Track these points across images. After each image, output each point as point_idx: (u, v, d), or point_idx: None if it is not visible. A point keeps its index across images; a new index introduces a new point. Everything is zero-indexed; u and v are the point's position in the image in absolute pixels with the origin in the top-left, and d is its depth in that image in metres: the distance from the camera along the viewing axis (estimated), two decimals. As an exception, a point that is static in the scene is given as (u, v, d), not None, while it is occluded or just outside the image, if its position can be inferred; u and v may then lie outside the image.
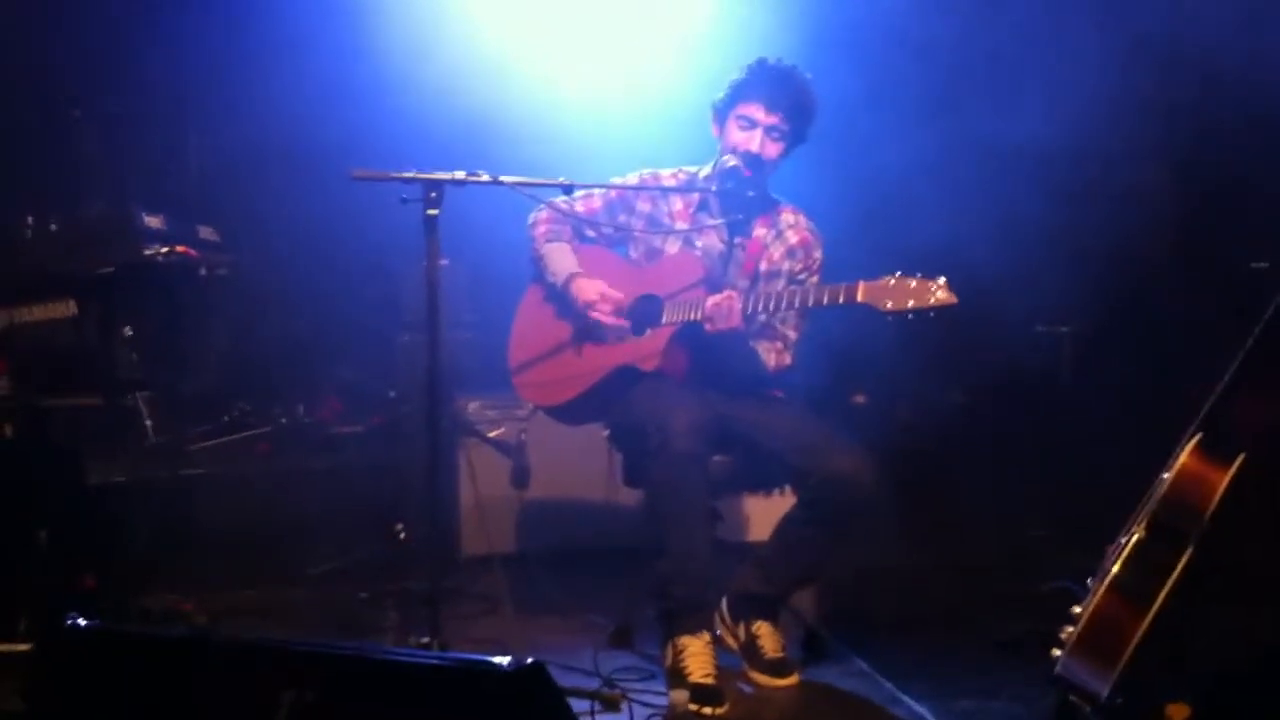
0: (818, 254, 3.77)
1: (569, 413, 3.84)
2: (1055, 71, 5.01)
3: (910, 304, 3.13)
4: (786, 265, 3.74)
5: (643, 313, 3.67)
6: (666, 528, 3.42)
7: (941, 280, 3.14)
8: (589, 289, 3.69)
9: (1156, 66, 4.75)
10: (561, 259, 3.79)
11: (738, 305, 3.42)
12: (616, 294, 3.67)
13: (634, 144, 4.63)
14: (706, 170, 3.75)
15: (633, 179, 3.77)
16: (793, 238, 3.75)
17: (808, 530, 3.51)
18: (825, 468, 3.41)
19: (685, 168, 3.80)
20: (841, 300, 3.26)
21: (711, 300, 3.44)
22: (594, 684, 3.31)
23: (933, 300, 3.11)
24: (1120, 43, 4.89)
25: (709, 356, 3.63)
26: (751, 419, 3.59)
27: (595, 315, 3.66)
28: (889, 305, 3.15)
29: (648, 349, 3.62)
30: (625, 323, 3.67)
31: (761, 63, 3.63)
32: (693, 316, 3.53)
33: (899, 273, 3.17)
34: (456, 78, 5.29)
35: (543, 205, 3.78)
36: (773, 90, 3.58)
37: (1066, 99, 4.94)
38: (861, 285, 3.21)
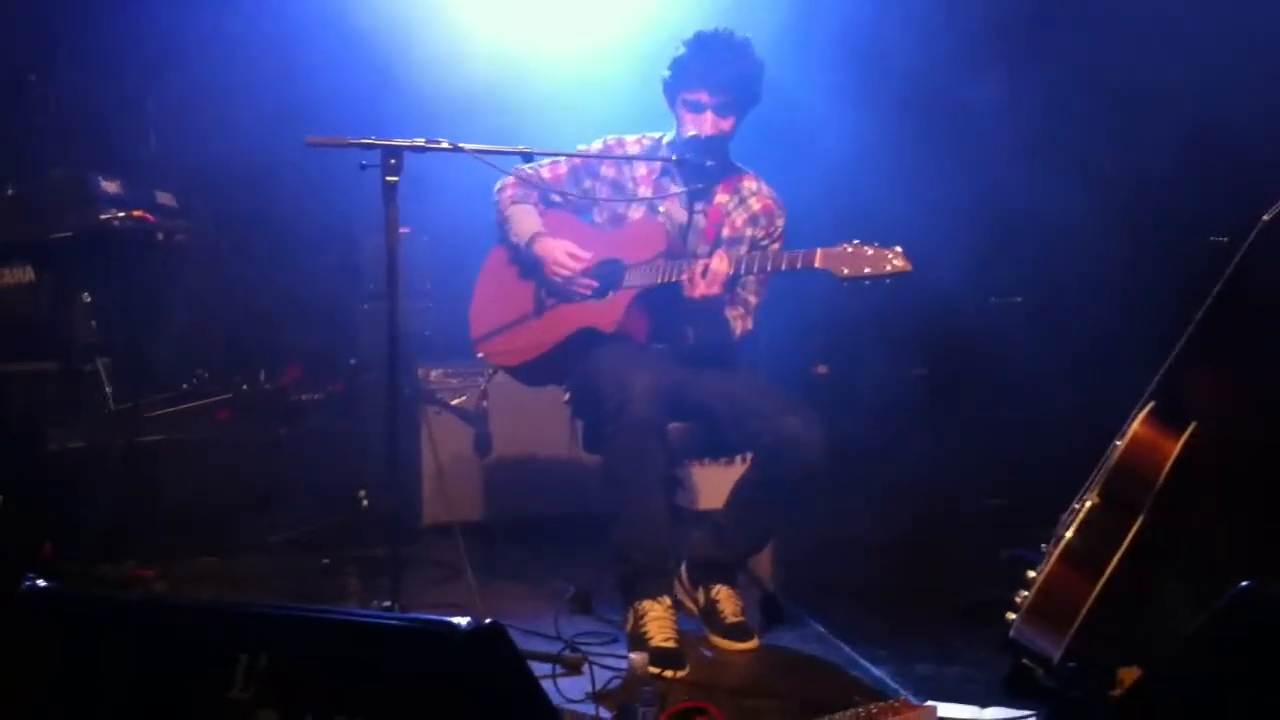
0: (780, 221, 3.79)
1: (529, 373, 3.87)
2: (1018, 51, 5.03)
3: (866, 270, 3.19)
4: (749, 232, 3.75)
5: (604, 275, 3.69)
6: (623, 492, 3.45)
7: (898, 249, 3.20)
8: (555, 248, 3.71)
9: (1119, 49, 4.77)
10: (526, 220, 3.80)
11: (723, 268, 3.41)
12: (584, 253, 3.69)
13: (598, 109, 4.63)
14: (670, 136, 3.76)
15: (597, 144, 3.78)
16: (755, 205, 3.77)
17: (761, 493, 3.54)
18: (776, 429, 3.44)
19: (649, 134, 3.80)
20: (800, 265, 3.31)
21: (699, 265, 3.44)
22: (556, 648, 3.33)
23: (888, 268, 3.17)
24: (1084, 26, 4.92)
25: (670, 320, 3.65)
26: (710, 384, 3.61)
27: (561, 272, 3.67)
28: (845, 272, 3.20)
29: (609, 311, 3.64)
30: (593, 282, 3.69)
31: (699, 39, 3.62)
32: (661, 279, 3.54)
33: (857, 241, 3.22)
34: (420, 44, 5.25)
35: (510, 172, 3.78)
36: (714, 69, 3.58)
37: (1026, 76, 4.96)
38: (819, 252, 3.26)
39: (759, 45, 3.66)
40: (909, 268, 3.18)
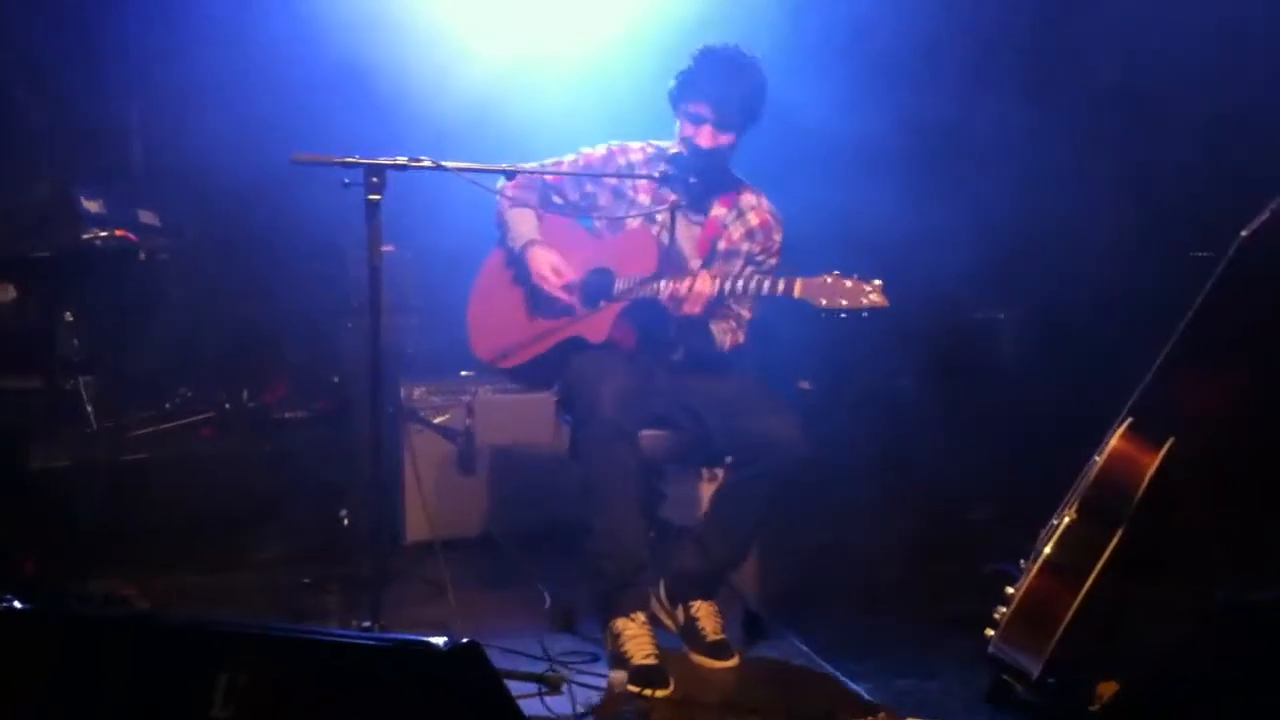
0: (777, 237, 3.79)
1: (522, 376, 3.89)
2: (1007, 62, 5.05)
3: (843, 304, 3.22)
4: (745, 246, 3.76)
5: (595, 285, 3.71)
6: (594, 499, 3.46)
7: (877, 283, 3.22)
8: (542, 260, 3.72)
9: (1119, 49, 4.79)
10: (523, 224, 3.81)
11: (707, 290, 3.45)
12: (567, 270, 3.71)
13: (595, 112, 4.64)
14: (675, 146, 3.74)
15: (601, 149, 3.80)
16: (754, 219, 3.78)
17: (741, 497, 3.55)
18: (757, 431, 3.46)
19: (654, 141, 3.81)
20: (779, 293, 3.34)
21: (684, 284, 3.47)
22: (538, 667, 3.32)
23: (865, 302, 3.21)
24: (1085, 27, 4.94)
25: (659, 332, 3.67)
26: (698, 387, 3.63)
27: (544, 286, 3.70)
28: (823, 303, 3.24)
29: (598, 322, 3.66)
30: (572, 299, 3.71)
31: (706, 54, 3.63)
32: (648, 293, 3.56)
33: (837, 272, 3.25)
34: (414, 53, 5.25)
35: (514, 174, 3.78)
36: (718, 85, 3.59)
37: (1013, 89, 4.98)
38: (799, 281, 3.30)
39: (757, 48, 3.68)
40: (885, 304, 3.21)
